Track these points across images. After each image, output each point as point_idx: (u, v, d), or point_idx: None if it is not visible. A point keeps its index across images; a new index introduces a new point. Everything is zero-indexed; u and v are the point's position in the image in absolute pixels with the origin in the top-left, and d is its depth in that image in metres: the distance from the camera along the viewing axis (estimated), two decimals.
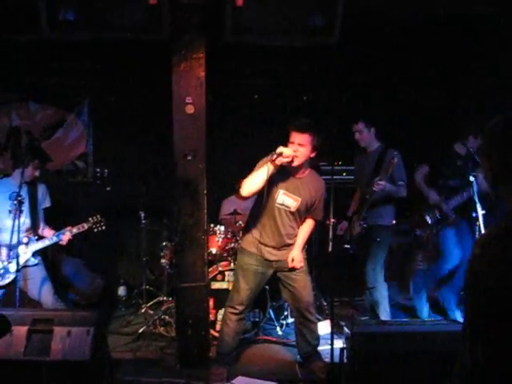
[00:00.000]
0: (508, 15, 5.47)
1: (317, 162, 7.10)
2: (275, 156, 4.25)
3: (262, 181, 4.34)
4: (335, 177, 5.57)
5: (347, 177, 6.51)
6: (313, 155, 4.52)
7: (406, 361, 3.76)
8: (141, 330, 5.77)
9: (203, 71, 4.80)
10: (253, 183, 4.40)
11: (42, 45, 5.98)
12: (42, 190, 5.51)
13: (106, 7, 4.51)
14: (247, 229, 4.85)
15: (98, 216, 5.50)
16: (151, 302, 6.47)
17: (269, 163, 4.30)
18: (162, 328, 5.86)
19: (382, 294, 5.61)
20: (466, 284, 1.73)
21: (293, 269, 4.75)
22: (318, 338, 4.96)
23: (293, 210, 4.66)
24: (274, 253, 4.74)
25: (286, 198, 4.62)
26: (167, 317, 5.99)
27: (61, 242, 5.32)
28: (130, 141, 7.04)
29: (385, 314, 5.59)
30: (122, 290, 7.04)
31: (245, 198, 4.54)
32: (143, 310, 6.35)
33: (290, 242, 4.77)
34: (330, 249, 4.64)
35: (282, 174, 4.54)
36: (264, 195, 4.42)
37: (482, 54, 6.34)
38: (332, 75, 6.88)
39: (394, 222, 6.66)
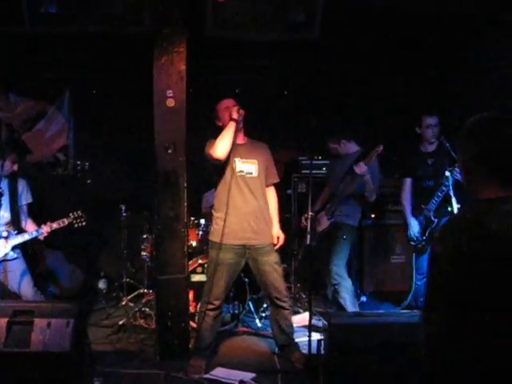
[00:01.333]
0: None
1: (296, 157, 7.20)
2: (235, 112, 4.63)
3: (231, 138, 4.61)
4: (314, 171, 5.64)
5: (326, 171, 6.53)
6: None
7: (384, 352, 3.81)
8: (121, 322, 5.79)
9: (184, 65, 4.84)
10: (224, 141, 4.60)
11: (23, 37, 5.95)
12: (22, 184, 5.49)
13: (88, 0, 4.51)
14: (215, 217, 4.87)
15: (79, 211, 5.49)
16: (132, 295, 6.49)
17: (230, 122, 4.63)
18: (143, 320, 5.89)
19: (348, 288, 5.61)
20: (428, 265, 1.89)
21: (266, 259, 4.80)
22: (292, 326, 5.02)
23: (256, 174, 4.78)
24: (246, 235, 4.75)
25: (243, 165, 4.77)
26: (147, 309, 6.02)
27: (40, 237, 5.32)
28: (110, 134, 7.04)
29: (353, 307, 5.61)
30: (102, 283, 7.05)
31: (219, 159, 4.62)
32: (124, 303, 6.37)
33: (265, 214, 4.86)
34: (307, 241, 4.71)
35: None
36: (222, 174, 4.72)
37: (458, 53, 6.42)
38: (312, 70, 6.93)
39: (373, 216, 6.78)
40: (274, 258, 4.87)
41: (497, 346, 1.68)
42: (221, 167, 4.72)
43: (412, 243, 5.71)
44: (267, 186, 4.97)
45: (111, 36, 5.34)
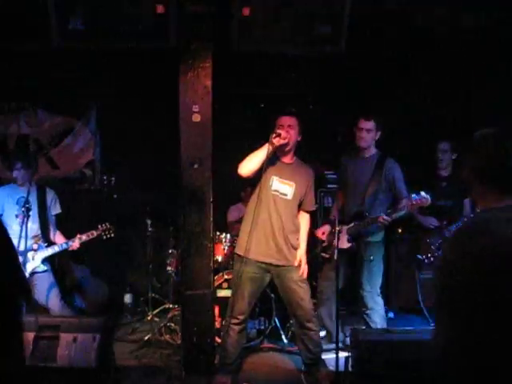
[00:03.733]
0: None
1: (322, 170, 7.15)
2: (274, 135, 4.50)
3: (260, 160, 4.52)
4: None
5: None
6: (299, 138, 4.77)
7: (412, 370, 3.75)
8: (146, 338, 5.78)
9: (210, 80, 4.84)
10: (252, 161, 4.56)
11: (50, 53, 6.03)
12: (50, 196, 5.55)
13: (115, 16, 4.55)
14: (242, 231, 4.82)
15: (107, 223, 5.53)
16: (157, 310, 6.48)
17: (267, 144, 4.51)
18: (168, 336, 5.88)
19: (380, 313, 5.38)
20: (436, 274, 2.07)
21: (290, 275, 4.72)
22: (319, 345, 4.92)
23: (290, 197, 4.71)
24: (270, 253, 4.68)
25: (280, 185, 4.70)
26: (173, 324, 6.01)
27: (70, 248, 5.35)
28: (136, 149, 7.06)
29: (380, 325, 5.44)
30: (128, 298, 7.05)
31: (244, 176, 4.61)
32: (149, 318, 6.35)
33: (289, 238, 4.73)
34: (335, 256, 4.65)
35: (273, 161, 4.70)
36: (258, 188, 4.64)
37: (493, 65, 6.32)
38: (337, 84, 6.90)
39: (400, 230, 6.69)
40: (298, 275, 4.76)
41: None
42: (257, 181, 4.67)
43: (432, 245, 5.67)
44: (300, 211, 4.88)
45: (138, 51, 5.38)
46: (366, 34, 5.33)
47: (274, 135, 4.51)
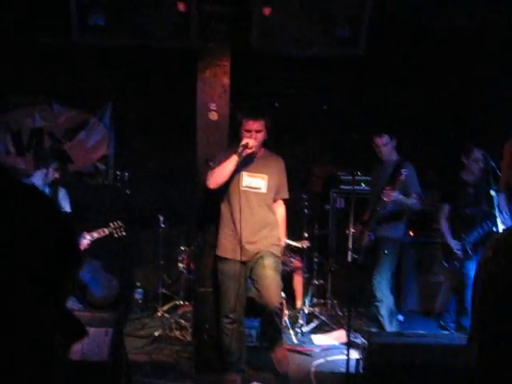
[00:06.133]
0: None
1: (335, 171, 7.16)
2: (241, 149, 4.43)
3: (228, 172, 4.47)
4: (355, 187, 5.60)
5: (367, 187, 6.46)
6: (265, 138, 4.67)
7: (424, 374, 3.75)
8: (157, 334, 5.80)
9: (228, 78, 4.87)
10: (220, 175, 4.49)
11: (66, 48, 6.06)
12: (62, 193, 5.57)
13: (135, 13, 4.56)
14: (219, 232, 4.77)
15: (119, 221, 5.55)
16: (167, 306, 6.49)
17: (234, 156, 4.43)
18: (178, 332, 5.88)
19: (388, 307, 5.52)
20: (476, 286, 1.82)
21: (262, 261, 4.62)
22: (280, 330, 4.90)
23: (264, 190, 4.64)
24: (248, 248, 4.61)
25: (251, 179, 4.62)
26: (183, 321, 6.02)
27: (80, 246, 5.37)
28: (151, 145, 7.10)
29: (390, 327, 5.52)
30: (138, 293, 7.07)
31: (211, 190, 4.57)
32: (159, 314, 6.37)
33: (265, 232, 4.67)
34: (349, 258, 4.66)
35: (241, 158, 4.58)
36: (227, 187, 4.58)
37: None
38: (355, 85, 6.90)
39: (412, 233, 6.68)
40: (269, 261, 4.64)
41: None
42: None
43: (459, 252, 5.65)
44: (275, 200, 4.82)
45: (155, 48, 5.39)
46: (386, 35, 5.33)
47: (241, 148, 4.43)
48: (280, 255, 4.85)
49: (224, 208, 4.72)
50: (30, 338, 0.66)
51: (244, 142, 4.46)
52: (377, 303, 5.52)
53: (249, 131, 4.54)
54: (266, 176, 4.65)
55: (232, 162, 4.45)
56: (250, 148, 4.48)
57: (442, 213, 5.88)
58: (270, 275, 4.63)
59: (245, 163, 4.59)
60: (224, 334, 4.75)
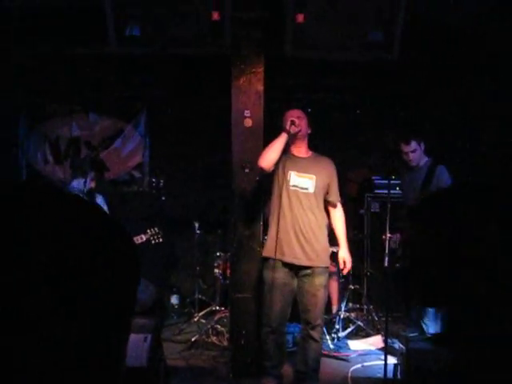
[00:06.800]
0: None
1: (370, 176, 7.14)
2: (289, 124, 4.43)
3: (280, 149, 4.43)
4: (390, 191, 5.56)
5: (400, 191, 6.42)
6: (309, 131, 4.67)
7: (462, 380, 3.71)
8: (193, 339, 5.84)
9: (262, 85, 4.90)
10: (272, 152, 4.44)
11: (101, 57, 6.17)
12: (99, 200, 5.66)
13: (170, 23, 4.63)
14: (268, 232, 4.69)
15: (156, 228, 5.59)
16: (204, 312, 6.53)
17: (283, 133, 4.44)
18: (215, 337, 5.92)
19: (433, 313, 5.31)
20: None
21: (312, 280, 4.53)
22: (317, 359, 4.69)
23: (311, 190, 4.55)
24: (294, 253, 4.51)
25: (299, 179, 4.55)
26: (219, 326, 6.05)
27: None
28: (185, 152, 7.16)
29: (432, 330, 5.45)
30: (174, 299, 7.14)
31: (265, 170, 4.52)
32: (196, 319, 6.42)
33: (315, 233, 4.56)
34: (385, 264, 4.64)
35: (289, 157, 4.57)
36: (276, 187, 4.54)
37: None
38: (388, 90, 6.87)
39: None
40: (319, 280, 4.56)
41: None
42: (274, 179, 4.57)
43: None
44: (331, 204, 4.77)
45: (189, 56, 5.46)
46: (420, 40, 5.30)
47: (289, 123, 4.44)
48: (329, 264, 4.76)
49: (273, 208, 4.64)
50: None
51: (290, 119, 4.47)
52: (418, 306, 5.39)
53: (291, 118, 4.52)
54: (314, 176, 4.58)
55: (281, 139, 4.45)
56: (297, 126, 4.47)
57: None
58: (319, 295, 4.57)
59: (293, 163, 4.57)
60: (264, 342, 4.70)
